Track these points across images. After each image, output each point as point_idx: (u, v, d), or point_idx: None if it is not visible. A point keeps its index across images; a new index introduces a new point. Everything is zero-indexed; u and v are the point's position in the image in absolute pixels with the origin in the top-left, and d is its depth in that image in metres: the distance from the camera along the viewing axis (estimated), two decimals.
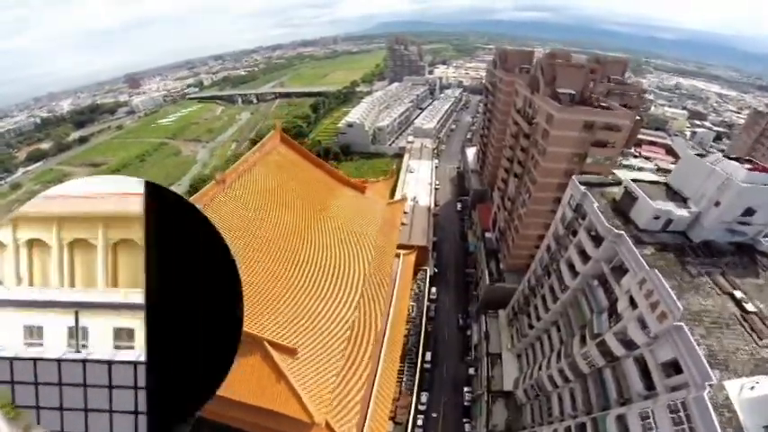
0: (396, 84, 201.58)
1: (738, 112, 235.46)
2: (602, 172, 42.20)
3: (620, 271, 28.91)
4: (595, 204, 32.15)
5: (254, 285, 25.70)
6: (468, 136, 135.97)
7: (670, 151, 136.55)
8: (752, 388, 18.93)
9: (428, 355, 59.38)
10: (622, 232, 28.34)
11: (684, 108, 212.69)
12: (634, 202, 31.24)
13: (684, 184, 31.41)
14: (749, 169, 27.15)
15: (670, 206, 29.57)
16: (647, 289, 23.86)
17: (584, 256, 33.06)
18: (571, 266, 35.51)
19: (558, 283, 38.74)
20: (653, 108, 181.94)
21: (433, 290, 71.10)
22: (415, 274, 63.88)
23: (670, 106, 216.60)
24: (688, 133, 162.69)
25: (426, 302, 64.43)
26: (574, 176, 35.49)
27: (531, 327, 47.18)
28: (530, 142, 45.45)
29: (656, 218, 29.49)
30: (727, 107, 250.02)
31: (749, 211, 27.79)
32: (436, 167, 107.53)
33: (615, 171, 36.71)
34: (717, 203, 27.97)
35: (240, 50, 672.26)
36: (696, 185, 29.95)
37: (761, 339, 21.88)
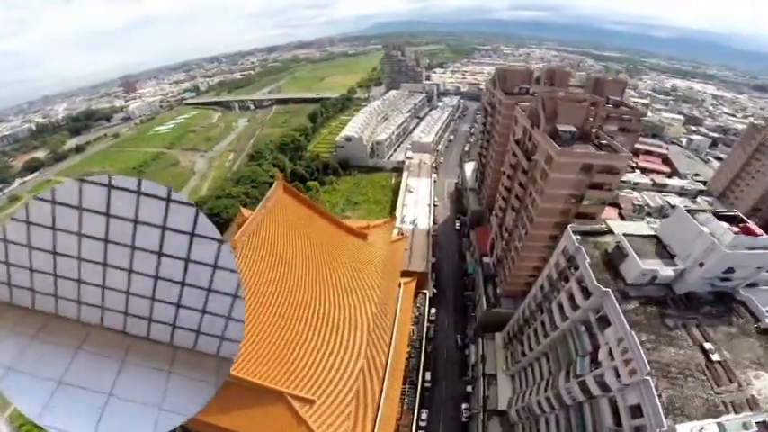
0: (393, 91, 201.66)
1: (734, 115, 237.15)
2: (597, 213, 42.99)
3: (605, 322, 30.99)
4: (587, 261, 34.04)
5: (274, 345, 27.76)
6: (466, 148, 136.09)
7: (666, 161, 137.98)
8: (700, 430, 21.87)
9: (428, 375, 61.06)
10: (609, 290, 30.30)
11: (680, 113, 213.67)
12: (624, 258, 32.94)
13: (673, 241, 33.09)
14: (736, 232, 28.55)
15: (657, 265, 31.37)
16: (623, 346, 27.09)
17: (574, 303, 35.22)
18: (561, 309, 37.75)
19: (549, 322, 40.87)
20: (649, 114, 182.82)
21: (433, 310, 72.26)
22: (415, 296, 65.01)
23: (666, 111, 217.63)
24: (684, 140, 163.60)
25: (426, 323, 65.46)
26: (569, 227, 36.36)
27: (523, 354, 49.62)
28: (528, 179, 45.92)
29: (644, 275, 31.30)
30: (722, 110, 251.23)
31: (730, 270, 29.46)
32: (435, 182, 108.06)
33: (610, 223, 37.33)
34: (701, 264, 29.48)
35: (236, 52, 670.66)
36: (684, 244, 31.53)
37: (718, 386, 24.77)
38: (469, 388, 60.74)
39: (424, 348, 61.88)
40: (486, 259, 69.65)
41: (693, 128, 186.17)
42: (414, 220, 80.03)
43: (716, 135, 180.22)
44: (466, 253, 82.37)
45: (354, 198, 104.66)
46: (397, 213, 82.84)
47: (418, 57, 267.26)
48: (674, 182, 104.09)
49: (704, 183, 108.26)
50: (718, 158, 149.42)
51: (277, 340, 28.28)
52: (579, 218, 43.83)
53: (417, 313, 67.11)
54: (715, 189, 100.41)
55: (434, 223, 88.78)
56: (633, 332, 26.47)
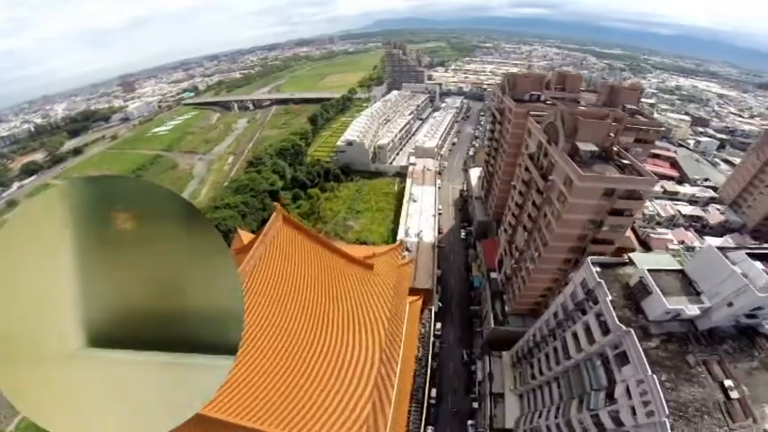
0: (395, 92, 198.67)
1: (740, 115, 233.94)
2: (615, 238, 40.55)
3: (624, 358, 29.90)
4: (608, 298, 32.43)
5: (274, 390, 25.53)
6: (471, 152, 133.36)
7: (675, 165, 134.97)
8: None
9: (433, 392, 60.34)
10: (631, 330, 28.99)
11: (687, 113, 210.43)
12: (647, 294, 31.62)
13: (701, 278, 31.51)
14: None
15: (683, 304, 30.01)
16: (642, 389, 26.67)
17: (591, 337, 34.22)
18: (576, 340, 36.66)
19: (562, 350, 39.75)
20: (656, 115, 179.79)
21: (438, 325, 70.80)
22: (421, 312, 63.35)
23: (672, 111, 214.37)
24: (691, 142, 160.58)
25: (432, 338, 64.84)
26: (589, 259, 34.30)
27: (533, 377, 48.68)
28: (543, 200, 43.29)
29: (668, 313, 30.12)
30: (728, 110, 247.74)
31: (758, 308, 28.45)
32: (439, 188, 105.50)
33: (633, 257, 35.04)
34: (730, 304, 28.35)
35: (236, 50, 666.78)
36: (713, 282, 30.17)
37: (734, 422, 24.94)
38: (476, 404, 59.85)
39: (429, 366, 60.91)
40: (493, 275, 67.31)
41: (701, 129, 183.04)
42: (418, 233, 77.51)
43: (723, 136, 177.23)
44: (472, 265, 79.99)
45: (357, 206, 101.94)
46: (401, 224, 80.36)
47: (419, 55, 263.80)
48: (685, 189, 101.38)
49: (715, 189, 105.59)
50: (726, 161, 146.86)
51: (279, 389, 25.94)
52: (597, 243, 41.39)
53: (423, 330, 65.66)
54: (727, 196, 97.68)
55: (439, 232, 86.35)
56: (654, 376, 25.90)
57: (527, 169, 48.31)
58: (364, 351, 30.76)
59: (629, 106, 61.67)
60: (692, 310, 29.89)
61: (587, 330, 35.56)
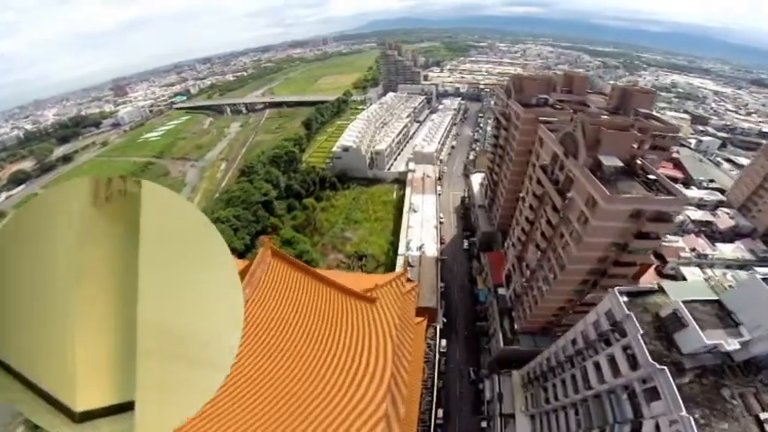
0: (391, 94, 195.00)
1: (737, 112, 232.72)
2: (639, 261, 37.12)
3: (653, 393, 27.99)
4: (640, 333, 29.66)
5: None
6: (471, 157, 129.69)
7: (678, 165, 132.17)
8: None
9: (440, 412, 58.35)
10: (665, 368, 26.92)
11: (686, 111, 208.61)
12: (682, 327, 29.10)
13: (740, 309, 29.11)
14: None
15: (721, 337, 27.71)
16: (676, 429, 24.76)
17: (616, 368, 31.95)
18: (599, 370, 34.37)
19: (582, 380, 37.38)
20: (654, 113, 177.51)
21: (443, 342, 68.13)
22: (425, 330, 60.45)
23: (671, 109, 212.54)
24: (692, 141, 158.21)
25: (437, 355, 62.33)
26: (616, 289, 31.08)
27: (547, 401, 46.18)
28: (560, 219, 39.68)
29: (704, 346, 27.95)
30: (726, 107, 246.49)
31: None
32: (439, 194, 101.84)
33: (665, 286, 31.74)
34: None
35: (229, 53, 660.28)
36: (755, 314, 27.92)
37: None
38: (484, 424, 57.50)
39: (435, 386, 58.69)
40: (501, 291, 63.86)
41: (701, 128, 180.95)
42: (420, 246, 73.73)
43: (724, 135, 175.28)
44: (477, 278, 76.43)
45: (354, 215, 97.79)
46: (401, 237, 76.44)
47: (415, 56, 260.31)
48: (693, 192, 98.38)
49: (722, 191, 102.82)
50: (729, 160, 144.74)
51: None
52: (619, 265, 37.98)
53: (427, 350, 62.71)
54: (735, 200, 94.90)
55: (441, 243, 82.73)
56: (690, 417, 24.17)
57: (539, 183, 44.67)
58: (368, 394, 27.17)
59: (641, 110, 58.28)
60: (732, 344, 27.35)
61: (611, 362, 32.95)
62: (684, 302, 29.84)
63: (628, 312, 30.98)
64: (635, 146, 34.77)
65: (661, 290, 33.19)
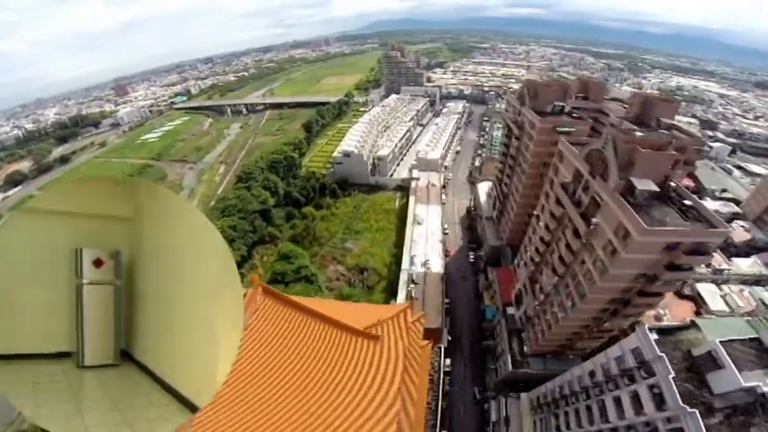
0: (393, 96, 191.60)
1: (744, 116, 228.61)
2: (666, 292, 33.67)
3: None
4: (671, 376, 27.31)
5: None
6: (477, 163, 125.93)
7: (690, 174, 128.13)
8: None
9: None
10: (696, 411, 25.24)
11: (694, 116, 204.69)
12: (717, 368, 27.06)
13: None
14: None
15: (759, 379, 25.80)
16: None
17: (639, 406, 30.09)
18: (619, 406, 32.32)
19: (599, 413, 35.40)
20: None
21: (447, 361, 65.20)
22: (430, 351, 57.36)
23: (678, 114, 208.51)
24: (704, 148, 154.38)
25: (441, 374, 59.75)
26: (645, 327, 27.74)
27: (558, 429, 43.88)
28: (582, 245, 36.32)
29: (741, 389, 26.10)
30: (733, 110, 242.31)
31: None
32: (444, 203, 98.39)
33: (700, 323, 28.54)
34: None
35: (230, 53, 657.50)
36: None
37: None
38: None
39: (440, 407, 56.30)
40: (510, 310, 60.43)
41: (710, 133, 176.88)
42: (425, 262, 70.25)
43: (734, 141, 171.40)
44: (483, 293, 73.02)
45: (355, 225, 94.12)
46: (405, 252, 72.89)
47: (418, 57, 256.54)
48: (707, 204, 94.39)
49: (737, 202, 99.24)
50: (739, 167, 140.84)
51: None
52: (643, 296, 34.59)
53: (432, 371, 59.72)
54: (751, 212, 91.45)
55: (446, 256, 79.28)
56: None
57: (558, 202, 41.16)
58: None
59: (664, 120, 54.61)
60: None
61: (635, 399, 31.07)
62: (723, 343, 27.29)
63: (660, 354, 28.21)
64: (670, 167, 31.31)
65: (694, 325, 29.86)
